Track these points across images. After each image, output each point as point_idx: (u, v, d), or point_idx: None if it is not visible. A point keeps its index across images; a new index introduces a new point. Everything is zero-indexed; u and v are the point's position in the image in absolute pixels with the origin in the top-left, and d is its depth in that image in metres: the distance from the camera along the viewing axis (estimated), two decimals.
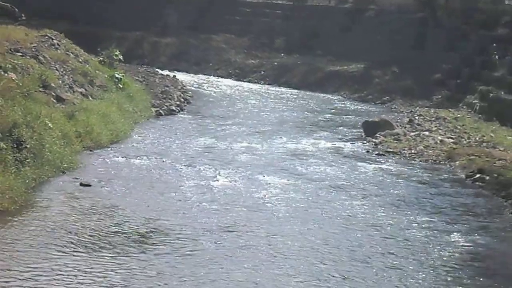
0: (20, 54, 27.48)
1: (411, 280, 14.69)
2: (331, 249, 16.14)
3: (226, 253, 15.33)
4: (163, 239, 15.94)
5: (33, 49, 29.07)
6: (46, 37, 33.02)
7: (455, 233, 18.19)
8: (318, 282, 14.20)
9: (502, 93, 38.12)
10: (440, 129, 34.75)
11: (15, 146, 19.15)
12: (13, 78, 22.97)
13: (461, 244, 17.41)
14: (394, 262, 15.60)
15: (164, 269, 14.06)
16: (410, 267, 15.36)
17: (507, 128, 34.09)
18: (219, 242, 15.97)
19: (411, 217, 19.37)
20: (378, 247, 16.59)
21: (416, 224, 18.74)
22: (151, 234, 16.22)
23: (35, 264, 13.75)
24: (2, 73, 22.77)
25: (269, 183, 22.00)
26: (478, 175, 24.92)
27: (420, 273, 15.12)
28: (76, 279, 13.22)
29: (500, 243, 17.96)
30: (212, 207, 18.77)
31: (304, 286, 13.98)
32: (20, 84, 22.79)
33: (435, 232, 18.18)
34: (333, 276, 14.57)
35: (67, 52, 33.23)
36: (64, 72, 29.74)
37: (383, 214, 19.49)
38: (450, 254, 16.57)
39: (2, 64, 23.69)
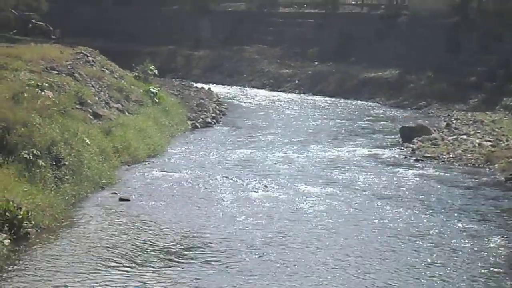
0: (56, 72, 27.75)
1: (445, 278, 14.58)
2: (374, 259, 15.95)
3: (267, 267, 15.24)
4: (203, 253, 15.91)
5: (68, 67, 29.34)
6: (81, 54, 33.33)
7: (498, 237, 17.96)
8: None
9: None
10: (478, 132, 34.45)
11: (54, 163, 19.35)
12: (50, 96, 23.17)
13: (505, 248, 17.19)
14: (439, 271, 15.40)
15: (204, 284, 14.01)
16: (455, 275, 15.18)
17: None
18: (260, 256, 15.88)
19: (453, 223, 19.18)
20: (422, 255, 16.40)
21: (458, 230, 18.54)
22: (191, 248, 16.21)
23: (76, 280, 13.80)
24: (39, 91, 22.97)
25: (309, 193, 21.92)
26: None
27: (465, 280, 14.95)
28: None
29: None
30: (252, 219, 18.70)
31: None
32: (57, 102, 22.98)
33: (478, 237, 17.97)
34: (372, 276, 14.50)
35: (102, 69, 33.49)
36: (100, 88, 29.95)
37: (424, 221, 19.30)
38: (494, 259, 16.37)
39: (39, 82, 23.91)
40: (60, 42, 35.19)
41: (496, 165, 27.09)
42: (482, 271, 15.45)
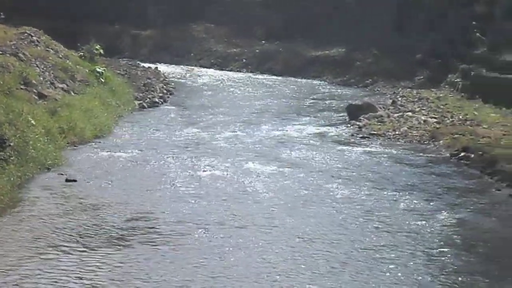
0: (0, 52, 27.36)
1: (395, 259, 14.73)
2: (322, 239, 15.93)
3: (217, 248, 15.20)
4: (152, 235, 15.78)
5: (12, 47, 28.93)
6: (25, 34, 32.86)
7: (441, 212, 18.23)
8: (310, 270, 14.19)
9: (484, 70, 38.18)
10: (423, 109, 34.83)
11: None
12: None
13: (448, 222, 17.45)
14: (387, 250, 15.52)
15: (152, 266, 13.95)
16: (403, 254, 15.29)
17: (490, 105, 34.18)
18: (210, 237, 15.83)
19: (399, 200, 19.40)
20: (369, 233, 16.51)
21: (404, 207, 18.75)
22: (138, 230, 16.09)
23: (21, 262, 13.68)
24: None
25: (256, 171, 21.98)
26: (462, 154, 25.01)
27: (412, 259, 15.12)
28: (63, 275, 13.17)
29: (487, 220, 18.02)
30: (201, 199, 18.64)
31: (295, 269, 13.98)
32: (1, 82, 22.70)
33: (421, 211, 18.23)
34: (323, 259, 14.58)
35: (47, 49, 33.09)
36: (44, 68, 29.61)
37: (371, 198, 19.48)
38: (436, 232, 16.60)
39: None
40: (3, 22, 34.68)
41: (441, 142, 27.44)
42: (429, 248, 15.61)
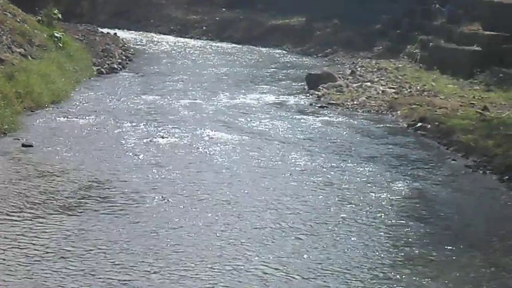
0: None
1: (352, 230, 14.85)
2: (279, 210, 15.93)
3: (171, 213, 15.22)
4: (107, 202, 15.71)
5: None
6: None
7: (397, 182, 18.37)
8: (260, 241, 14.26)
9: (442, 42, 38.40)
10: (381, 79, 34.98)
11: None
12: None
13: (405, 193, 17.60)
14: (340, 214, 15.69)
15: (106, 232, 13.89)
16: (361, 224, 15.40)
17: (448, 76, 34.42)
18: (164, 203, 15.81)
19: (355, 168, 19.53)
20: (323, 200, 16.65)
21: (359, 175, 18.89)
22: (94, 197, 16.00)
23: None
24: None
25: (214, 139, 21.98)
26: (419, 124, 25.20)
27: (361, 223, 15.25)
28: (18, 242, 13.10)
29: (443, 190, 18.20)
30: (159, 167, 18.57)
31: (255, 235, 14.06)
32: None
33: (379, 182, 18.36)
34: (277, 230, 14.66)
35: (5, 12, 32.60)
36: (2, 32, 29.21)
37: (327, 166, 19.57)
38: (394, 203, 16.74)
39: None
40: None
41: (399, 112, 27.62)
42: (386, 219, 15.69)
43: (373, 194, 17.23)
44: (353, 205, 16.35)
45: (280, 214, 15.46)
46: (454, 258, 13.67)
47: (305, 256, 13.26)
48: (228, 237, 13.99)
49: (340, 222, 15.20)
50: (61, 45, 33.85)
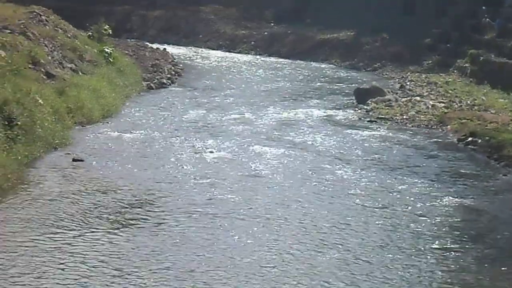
0: (8, 31, 27.36)
1: (402, 242, 14.76)
2: (329, 221, 15.99)
3: (222, 228, 15.29)
4: (157, 215, 15.87)
5: (21, 26, 28.91)
6: (34, 13, 32.83)
7: (447, 197, 18.22)
8: (315, 248, 14.23)
9: (492, 56, 38.02)
10: (431, 94, 34.74)
11: (6, 123, 19.16)
12: (2, 56, 22.89)
13: (453, 207, 17.45)
14: (393, 232, 15.59)
15: (158, 246, 14.00)
16: (408, 235, 15.35)
17: (498, 90, 34.04)
18: (215, 213, 15.92)
19: (404, 182, 19.40)
20: (376, 216, 16.57)
21: (409, 189, 18.76)
22: (144, 210, 16.15)
23: (27, 242, 13.74)
24: None
25: (264, 154, 21.97)
26: (470, 139, 24.96)
27: (417, 240, 15.15)
28: (68, 254, 13.24)
29: (492, 205, 18.01)
30: (208, 180, 18.68)
31: (301, 249, 14.03)
32: (10, 61, 22.71)
33: (428, 195, 18.22)
34: (323, 238, 14.63)
35: (56, 28, 33.07)
36: (53, 48, 29.61)
37: (377, 180, 19.50)
38: (442, 216, 16.61)
39: None
40: (13, 0, 34.70)
41: (448, 126, 27.40)
42: (434, 232, 15.63)
43: (420, 207, 17.10)
44: (401, 218, 16.26)
45: (334, 228, 15.44)
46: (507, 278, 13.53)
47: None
48: (280, 247, 14.01)
49: (389, 234, 15.14)
50: (111, 60, 34.20)
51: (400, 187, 18.91)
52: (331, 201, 17.37)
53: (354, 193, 18.15)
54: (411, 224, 15.97)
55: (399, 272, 13.30)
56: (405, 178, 19.94)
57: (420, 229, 15.71)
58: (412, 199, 17.91)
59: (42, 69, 26.10)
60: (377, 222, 16.00)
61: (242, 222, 15.56)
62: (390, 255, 14.02)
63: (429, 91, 35.71)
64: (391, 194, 18.21)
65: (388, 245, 14.63)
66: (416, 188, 18.89)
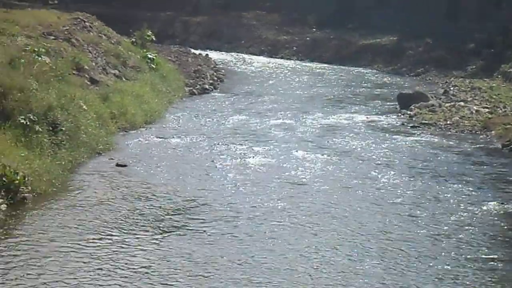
0: (53, 37, 27.68)
1: (449, 251, 14.63)
2: (373, 227, 15.93)
3: (265, 231, 15.31)
4: (201, 220, 15.91)
5: (65, 32, 29.22)
6: (78, 19, 33.18)
7: (492, 203, 18.01)
8: (361, 260, 14.16)
9: None
10: (475, 99, 34.44)
11: (51, 129, 19.37)
12: (47, 62, 23.13)
13: (498, 213, 17.26)
14: (440, 238, 15.44)
15: (203, 251, 14.05)
16: (455, 242, 15.22)
17: None
18: (258, 221, 15.91)
19: (449, 188, 19.24)
20: (421, 222, 16.43)
21: (453, 195, 18.59)
22: (188, 216, 16.22)
23: (72, 246, 13.85)
24: (36, 57, 22.92)
25: (306, 159, 21.94)
26: None
27: (464, 245, 15.01)
28: (113, 258, 13.32)
29: None
30: (250, 186, 18.71)
31: (346, 261, 13.96)
32: (54, 67, 22.95)
33: (472, 202, 18.04)
34: (371, 249, 14.55)
35: (100, 34, 33.37)
36: (97, 54, 29.86)
37: (422, 186, 19.34)
38: (486, 223, 16.45)
39: (36, 48, 23.84)
40: (57, 7, 35.09)
41: (493, 132, 27.13)
42: (481, 238, 15.50)
43: (464, 214, 16.93)
44: (444, 224, 16.11)
45: (376, 234, 15.36)
46: None
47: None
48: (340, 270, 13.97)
49: (433, 241, 15.02)
50: (154, 66, 34.41)
51: (445, 194, 18.70)
52: (376, 209, 17.22)
53: (399, 201, 18.00)
54: (458, 233, 15.77)
55: (448, 284, 13.13)
56: (449, 184, 19.74)
57: (467, 238, 15.50)
58: (457, 206, 17.71)
59: (86, 75, 26.33)
60: (423, 231, 15.83)
61: (285, 231, 15.48)
62: (439, 265, 13.86)
63: (473, 96, 35.40)
64: (436, 202, 18.04)
65: (436, 254, 14.46)
66: (462, 195, 18.67)
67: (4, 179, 15.77)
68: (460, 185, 19.63)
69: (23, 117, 18.59)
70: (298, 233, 15.33)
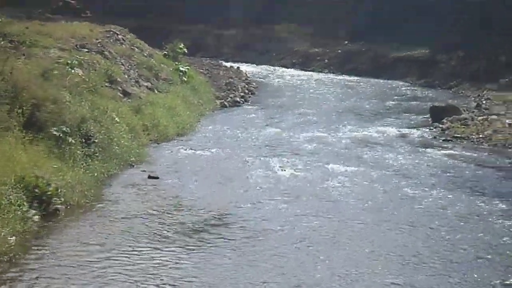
0: (86, 50, 27.89)
1: (482, 266, 14.50)
2: (407, 241, 15.81)
3: (295, 243, 15.25)
4: (234, 233, 15.88)
5: (98, 45, 29.45)
6: (111, 32, 33.44)
7: None
8: (394, 274, 14.07)
9: None
10: (508, 112, 34.18)
11: (84, 140, 19.49)
12: (80, 74, 23.31)
13: None
14: (471, 251, 15.31)
15: (235, 262, 14.04)
16: (484, 254, 15.08)
17: None
18: (290, 235, 15.85)
19: (483, 203, 19.04)
20: (452, 234, 16.30)
21: (488, 210, 18.40)
22: (220, 228, 16.21)
23: (105, 257, 13.89)
24: (69, 69, 23.10)
25: (337, 172, 21.85)
26: None
27: (499, 261, 14.86)
28: (146, 270, 13.34)
29: None
30: (282, 198, 18.65)
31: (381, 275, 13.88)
32: (87, 80, 23.13)
33: (505, 217, 17.84)
34: (403, 264, 14.44)
35: (132, 47, 33.59)
36: (129, 66, 30.05)
37: (456, 201, 19.11)
38: None
39: (69, 60, 24.03)
40: (89, 20, 35.38)
41: None
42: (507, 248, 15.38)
43: (497, 229, 16.75)
44: (475, 239, 15.97)
45: (408, 249, 15.26)
46: None
47: None
48: (357, 271, 13.88)
49: (464, 256, 14.89)
50: (186, 79, 34.56)
51: (479, 210, 18.47)
52: (410, 225, 16.99)
53: (432, 214, 17.82)
54: (496, 252, 15.52)
55: None
56: (480, 198, 19.51)
57: (496, 251, 15.36)
58: (488, 220, 17.52)
59: (119, 87, 26.49)
60: (461, 248, 15.55)
61: (318, 246, 15.35)
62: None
63: (506, 109, 35.15)
64: (471, 217, 17.82)
65: (461, 266, 14.33)
66: (493, 209, 18.47)
67: (36, 190, 15.85)
68: (492, 200, 19.32)
69: (56, 128, 18.71)
70: (330, 248, 15.22)
